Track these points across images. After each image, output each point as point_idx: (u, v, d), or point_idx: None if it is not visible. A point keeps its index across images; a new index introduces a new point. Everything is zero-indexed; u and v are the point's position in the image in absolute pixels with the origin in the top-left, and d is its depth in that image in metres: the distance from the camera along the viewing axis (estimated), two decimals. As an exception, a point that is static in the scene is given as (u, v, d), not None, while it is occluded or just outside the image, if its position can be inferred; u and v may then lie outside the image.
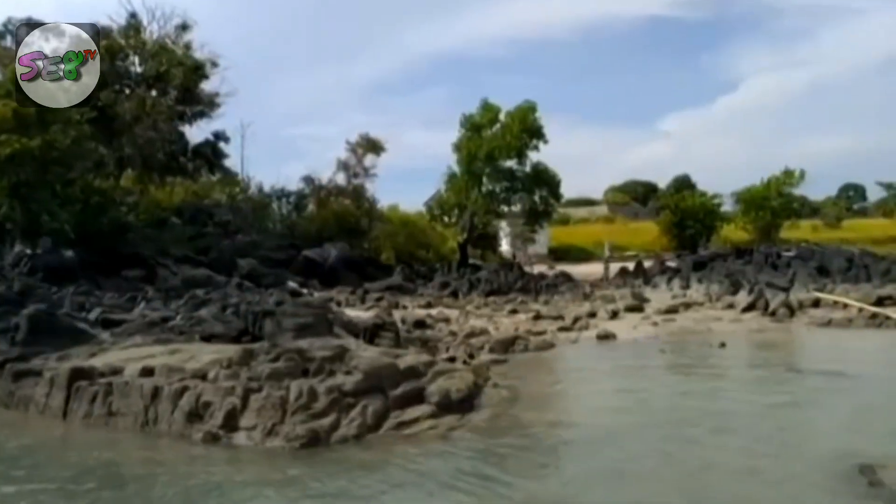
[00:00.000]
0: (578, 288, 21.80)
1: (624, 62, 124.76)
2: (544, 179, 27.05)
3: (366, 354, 7.19)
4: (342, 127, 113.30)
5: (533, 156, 27.24)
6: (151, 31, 25.82)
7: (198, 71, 24.89)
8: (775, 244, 30.82)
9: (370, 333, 9.69)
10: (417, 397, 7.06)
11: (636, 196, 68.26)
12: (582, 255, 34.48)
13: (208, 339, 9.70)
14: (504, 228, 33.07)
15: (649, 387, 8.93)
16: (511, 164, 26.98)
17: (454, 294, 21.18)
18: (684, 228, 34.22)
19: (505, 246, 34.61)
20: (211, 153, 25.95)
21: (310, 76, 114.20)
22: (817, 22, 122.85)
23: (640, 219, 49.48)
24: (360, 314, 16.25)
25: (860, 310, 15.72)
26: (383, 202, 32.65)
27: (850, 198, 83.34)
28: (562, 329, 14.43)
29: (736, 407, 7.35)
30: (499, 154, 25.95)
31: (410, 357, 7.67)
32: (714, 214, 34.88)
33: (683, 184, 53.49)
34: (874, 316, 15.16)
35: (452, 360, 10.28)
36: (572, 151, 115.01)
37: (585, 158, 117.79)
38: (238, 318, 10.12)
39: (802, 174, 34.81)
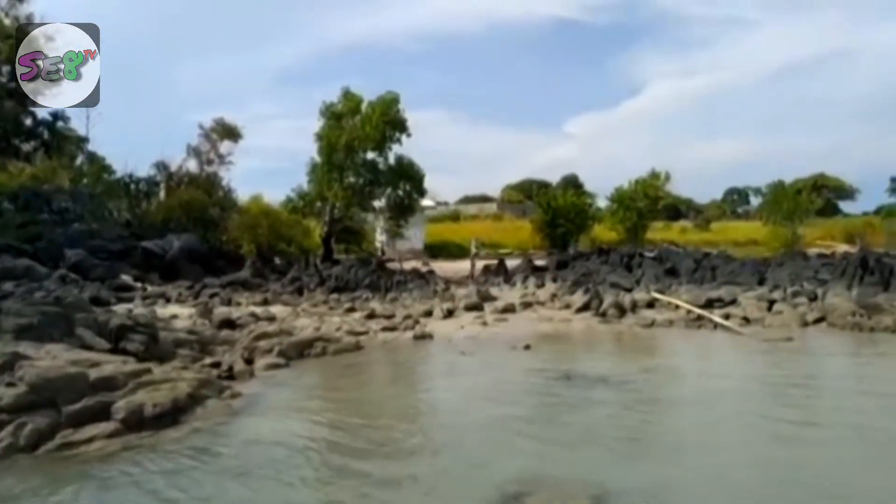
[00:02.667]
0: (429, 286, 21.35)
1: (534, 63, 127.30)
2: (409, 174, 26.36)
3: (42, 363, 6.28)
4: (248, 114, 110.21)
5: (398, 150, 26.59)
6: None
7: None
8: (641, 244, 31.61)
9: (115, 336, 8.69)
10: (103, 413, 6.25)
11: (530, 195, 68.93)
12: (458, 252, 34.14)
13: (-77, 342, 8.49)
14: (371, 223, 32.19)
15: (403, 396, 8.45)
16: (373, 156, 26.11)
17: (299, 291, 20.25)
18: (556, 227, 34.36)
19: (378, 242, 33.79)
20: (48, 134, 23.80)
21: (219, 61, 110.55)
22: (717, 31, 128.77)
23: (527, 216, 49.82)
24: (181, 312, 15.20)
25: (688, 311, 16.09)
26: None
27: (734, 201, 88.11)
28: (386, 329, 13.93)
29: (461, 421, 6.91)
30: (359, 145, 25.05)
31: (111, 366, 6.83)
32: (585, 214, 35.22)
33: (570, 183, 54.34)
34: (699, 318, 15.52)
35: (216, 365, 9.49)
36: (482, 149, 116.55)
37: (494, 157, 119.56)
38: (-37, 318, 8.88)
39: (668, 176, 35.84)
